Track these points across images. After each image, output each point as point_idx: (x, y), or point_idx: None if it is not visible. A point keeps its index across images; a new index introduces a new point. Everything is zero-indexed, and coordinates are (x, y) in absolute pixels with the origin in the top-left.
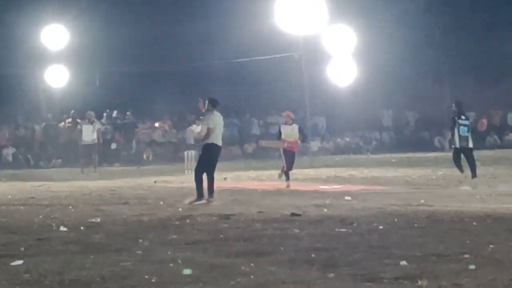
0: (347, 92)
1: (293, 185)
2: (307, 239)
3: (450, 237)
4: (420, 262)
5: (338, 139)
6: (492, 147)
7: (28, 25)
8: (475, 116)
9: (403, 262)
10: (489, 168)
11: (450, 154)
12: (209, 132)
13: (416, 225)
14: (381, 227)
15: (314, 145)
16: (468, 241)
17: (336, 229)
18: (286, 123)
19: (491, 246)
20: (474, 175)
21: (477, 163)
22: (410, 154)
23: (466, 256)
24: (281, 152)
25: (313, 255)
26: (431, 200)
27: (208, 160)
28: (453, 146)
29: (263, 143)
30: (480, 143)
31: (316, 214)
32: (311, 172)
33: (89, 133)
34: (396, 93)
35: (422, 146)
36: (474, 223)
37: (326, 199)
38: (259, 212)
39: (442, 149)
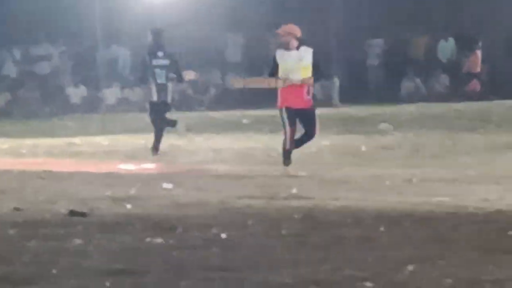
0: None
1: (74, 165)
2: (97, 255)
3: (340, 251)
4: None
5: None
6: (413, 98)
7: None
8: (383, 44)
9: None
10: (408, 133)
11: (341, 111)
12: None
13: (283, 231)
14: (224, 235)
15: (111, 94)
16: (371, 259)
17: (147, 239)
18: (285, 47)
19: (409, 267)
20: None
21: (385, 126)
22: (274, 111)
23: (368, 284)
24: (282, 110)
25: (107, 284)
26: (310, 189)
27: None
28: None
29: (243, 82)
30: (395, 94)
31: (114, 213)
32: (104, 141)
33: None
34: (249, 10)
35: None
36: (382, 228)
37: (130, 187)
38: (15, 209)
39: (327, 101)
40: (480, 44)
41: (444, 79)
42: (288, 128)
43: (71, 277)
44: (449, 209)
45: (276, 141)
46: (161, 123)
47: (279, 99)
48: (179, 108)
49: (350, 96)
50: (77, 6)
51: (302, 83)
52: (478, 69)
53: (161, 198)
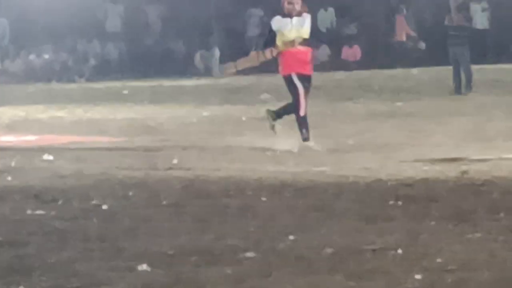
0: None
1: None
2: None
3: (221, 221)
4: (171, 264)
5: (31, 56)
6: None
7: None
8: (262, 15)
9: (143, 266)
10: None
11: (221, 81)
12: None
13: (164, 202)
14: (105, 206)
15: None
16: (252, 229)
17: (28, 211)
18: (285, 14)
19: (291, 237)
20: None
21: (265, 96)
22: (155, 82)
23: (249, 254)
24: (290, 77)
25: None
26: (191, 160)
27: None
28: None
29: (234, 66)
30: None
31: None
32: None
33: None
34: None
35: (175, 68)
36: (263, 198)
37: (10, 159)
38: None
39: (208, 72)
40: (404, 10)
41: (324, 49)
42: (301, 91)
43: None
44: (330, 179)
45: (156, 112)
46: None
47: (283, 66)
48: (60, 79)
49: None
50: None
51: (305, 47)
52: (404, 38)
53: (42, 170)
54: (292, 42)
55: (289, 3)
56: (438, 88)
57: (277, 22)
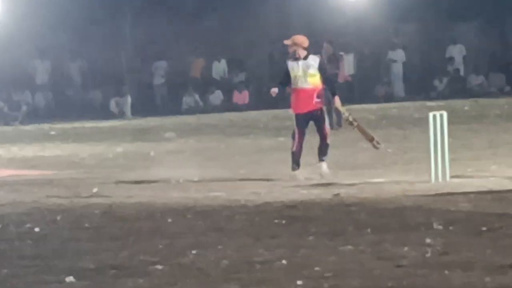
0: None
1: None
2: None
3: (135, 240)
4: (94, 277)
5: None
6: (193, 111)
7: None
8: (166, 66)
9: (70, 278)
10: (189, 140)
11: (133, 123)
12: None
13: (87, 225)
14: (37, 229)
15: None
16: (161, 246)
17: None
18: (293, 58)
19: (193, 252)
20: None
21: (170, 134)
22: (77, 124)
23: (159, 267)
24: (293, 116)
25: None
26: (108, 189)
27: None
28: None
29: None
30: (177, 107)
31: None
32: None
33: None
34: (54, 38)
35: (93, 112)
36: (169, 220)
37: None
38: None
39: (121, 115)
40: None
41: (218, 94)
42: (296, 130)
43: None
44: (225, 202)
45: (79, 149)
46: None
47: (292, 105)
48: None
49: (140, 110)
50: None
51: (312, 89)
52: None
53: None
54: (299, 81)
55: (290, 46)
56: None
57: (290, 66)
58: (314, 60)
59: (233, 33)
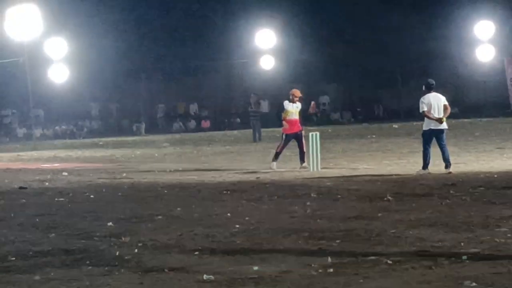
0: (62, 89)
1: (20, 165)
2: (32, 207)
3: (146, 202)
4: (123, 223)
5: (56, 127)
6: (178, 131)
7: None
8: (164, 107)
9: (110, 223)
10: (177, 147)
11: (145, 138)
12: None
13: (119, 193)
14: (92, 196)
15: (37, 132)
16: (160, 206)
17: (56, 199)
18: (290, 100)
19: (178, 208)
20: None
21: (166, 144)
22: (114, 138)
23: (160, 217)
24: (284, 135)
25: (37, 220)
26: (131, 174)
27: None
28: None
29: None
30: (170, 129)
31: (40, 187)
32: (34, 154)
33: None
34: (101, 89)
35: (123, 132)
36: (165, 191)
37: (47, 175)
38: None
39: (139, 133)
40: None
41: (193, 122)
42: (283, 143)
43: (21, 218)
44: (196, 182)
45: (116, 152)
46: None
47: (287, 128)
48: None
49: (149, 130)
50: None
51: (297, 118)
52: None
53: (62, 180)
54: (291, 115)
55: (294, 96)
56: (246, 140)
57: (286, 104)
58: (299, 104)
59: (203, 91)
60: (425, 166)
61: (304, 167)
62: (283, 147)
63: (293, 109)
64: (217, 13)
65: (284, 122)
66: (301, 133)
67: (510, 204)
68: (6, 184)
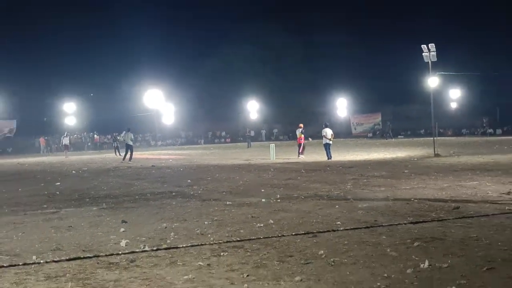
0: (170, 126)
1: (152, 156)
2: (157, 174)
3: (203, 172)
4: (194, 180)
5: (167, 140)
6: (217, 143)
7: None
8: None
9: (189, 180)
10: (213, 150)
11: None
12: None
13: (193, 169)
14: (181, 169)
15: (159, 143)
16: (208, 174)
17: (167, 171)
18: (298, 128)
19: (217, 175)
20: None
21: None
22: (187, 145)
23: (209, 178)
24: (301, 144)
25: (159, 179)
26: (197, 161)
27: None
28: None
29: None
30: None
31: (160, 165)
32: (158, 152)
33: None
34: (187, 124)
35: (192, 143)
36: (211, 168)
37: (163, 161)
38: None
39: (200, 143)
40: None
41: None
42: (302, 148)
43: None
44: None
45: (191, 153)
46: None
47: (299, 140)
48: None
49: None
50: None
51: (299, 137)
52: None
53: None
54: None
55: (301, 127)
56: (244, 146)
57: (297, 131)
58: (299, 130)
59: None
60: (329, 157)
61: (302, 157)
62: (300, 148)
63: (299, 133)
64: None
65: (298, 138)
66: (302, 143)
67: (351, 174)
68: (145, 164)
